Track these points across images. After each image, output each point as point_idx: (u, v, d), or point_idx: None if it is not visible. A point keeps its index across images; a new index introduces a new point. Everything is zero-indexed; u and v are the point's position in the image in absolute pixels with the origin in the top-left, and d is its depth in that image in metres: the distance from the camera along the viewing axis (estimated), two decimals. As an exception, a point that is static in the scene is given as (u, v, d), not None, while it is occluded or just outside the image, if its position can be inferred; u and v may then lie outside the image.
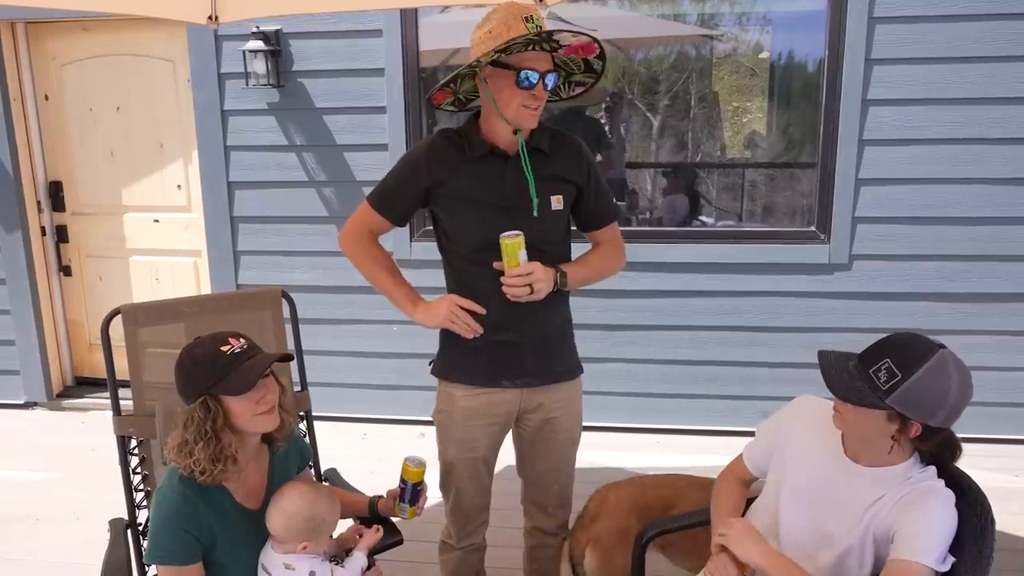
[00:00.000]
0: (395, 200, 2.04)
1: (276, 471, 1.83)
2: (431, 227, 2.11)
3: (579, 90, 2.06)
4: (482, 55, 1.84)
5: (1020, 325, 3.74)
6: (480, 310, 1.98)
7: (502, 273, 1.93)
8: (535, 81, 1.83)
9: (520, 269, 1.89)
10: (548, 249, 2.00)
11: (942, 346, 1.49)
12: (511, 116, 1.90)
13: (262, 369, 1.65)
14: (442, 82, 1.96)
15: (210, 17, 2.66)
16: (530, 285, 1.89)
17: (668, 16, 4.67)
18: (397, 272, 2.09)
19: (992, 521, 1.53)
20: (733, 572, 1.65)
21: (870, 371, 1.50)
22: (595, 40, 1.85)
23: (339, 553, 1.83)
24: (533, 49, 1.84)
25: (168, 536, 1.64)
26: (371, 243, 2.08)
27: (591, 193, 2.07)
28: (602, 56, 1.92)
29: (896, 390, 1.46)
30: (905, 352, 1.49)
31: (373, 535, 1.85)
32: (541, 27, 1.82)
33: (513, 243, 1.89)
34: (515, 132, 1.92)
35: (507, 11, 1.85)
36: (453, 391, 2.08)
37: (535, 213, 1.94)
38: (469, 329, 1.98)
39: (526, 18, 1.82)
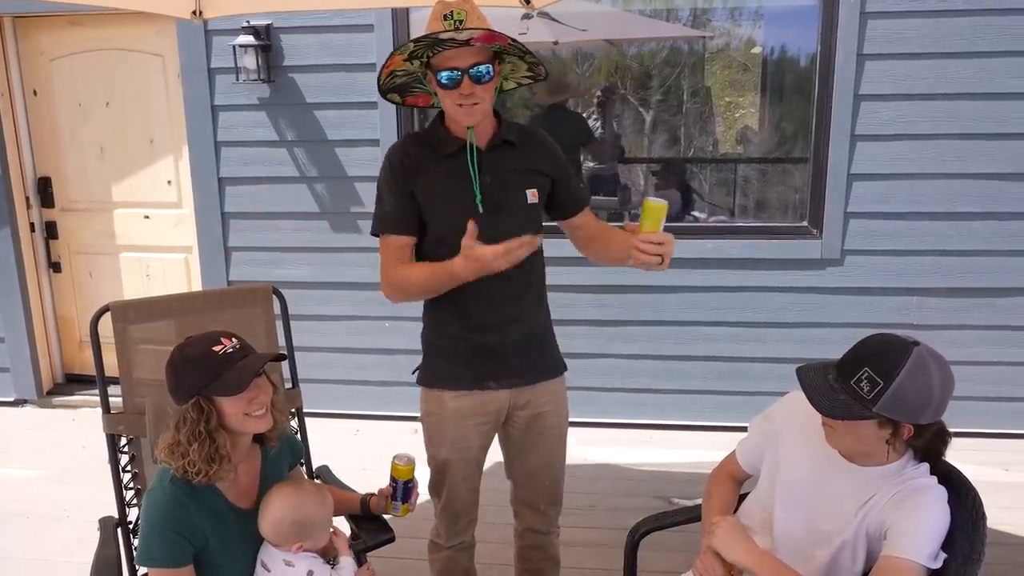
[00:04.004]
0: (403, 216, 1.96)
1: (268, 470, 1.82)
2: None
3: (540, 70, 1.99)
4: (396, 66, 1.86)
5: (1010, 320, 3.76)
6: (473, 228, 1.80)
7: (488, 278, 1.93)
8: (457, 78, 1.80)
9: (660, 236, 1.78)
10: None
11: (916, 343, 1.48)
12: (449, 114, 1.90)
13: (255, 369, 1.65)
14: (385, 95, 1.97)
15: (194, 12, 2.64)
16: (662, 256, 1.78)
17: (661, 11, 4.66)
18: (427, 267, 1.94)
19: (984, 517, 1.53)
20: (720, 572, 1.65)
21: (851, 382, 1.49)
22: (496, 32, 1.78)
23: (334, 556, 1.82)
24: (440, 49, 1.80)
25: (158, 539, 1.63)
26: (402, 267, 1.97)
27: (563, 182, 2.07)
28: (516, 42, 1.84)
29: (881, 398, 1.45)
30: (882, 357, 1.48)
31: (342, 537, 1.83)
32: (462, 21, 1.79)
33: (660, 206, 1.78)
34: (468, 128, 1.90)
35: (434, 10, 1.83)
36: (441, 394, 2.06)
37: (480, 210, 1.91)
38: (524, 245, 1.77)
39: (444, 16, 1.80)
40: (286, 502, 1.72)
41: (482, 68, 1.81)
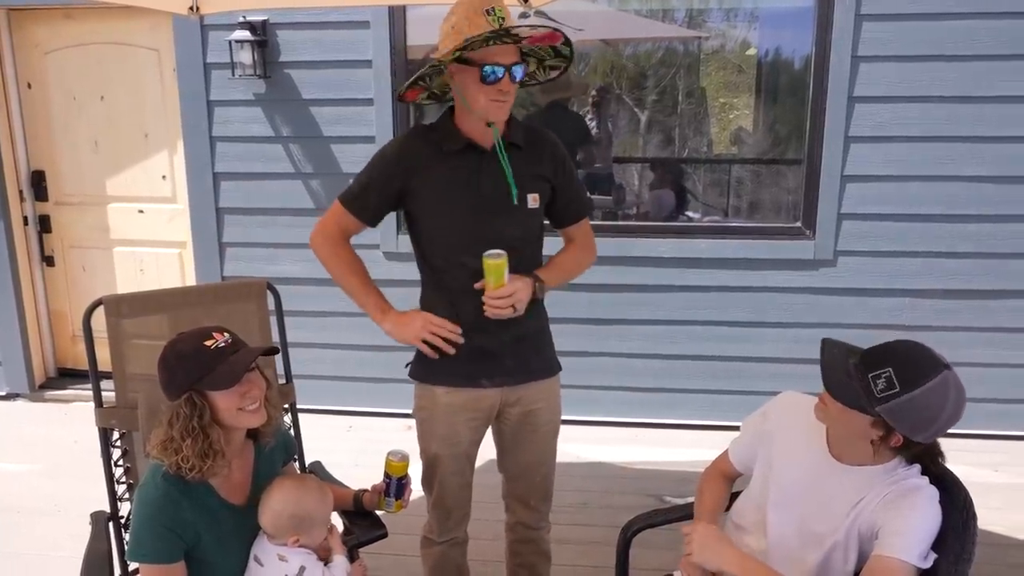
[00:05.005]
0: (368, 202, 2.01)
1: (261, 466, 1.81)
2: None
3: (554, 74, 2.03)
4: (442, 55, 1.84)
5: (1002, 321, 3.78)
6: (457, 330, 1.96)
7: (482, 278, 1.93)
8: (500, 76, 1.81)
9: (504, 291, 1.88)
10: (524, 248, 2.00)
11: (947, 366, 1.46)
12: (480, 110, 1.88)
13: (247, 363, 1.64)
14: (407, 83, 1.96)
15: (191, 8, 2.63)
16: (512, 305, 1.90)
17: (657, 12, 4.67)
18: (366, 277, 2.06)
19: (974, 517, 1.54)
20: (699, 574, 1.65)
21: (869, 375, 1.48)
22: (557, 30, 1.82)
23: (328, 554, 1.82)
24: (494, 43, 1.81)
25: (150, 535, 1.63)
26: (342, 245, 2.05)
27: (565, 190, 2.07)
28: (568, 43, 1.89)
29: (889, 401, 1.45)
30: (910, 367, 1.46)
31: (337, 536, 1.83)
32: (504, 19, 1.80)
33: (498, 264, 1.86)
34: (489, 124, 1.90)
35: (469, 5, 1.83)
36: (434, 388, 2.07)
37: (515, 202, 1.92)
38: (447, 348, 1.97)
39: (487, 11, 1.80)
40: (287, 495, 1.72)
41: (520, 67, 1.85)
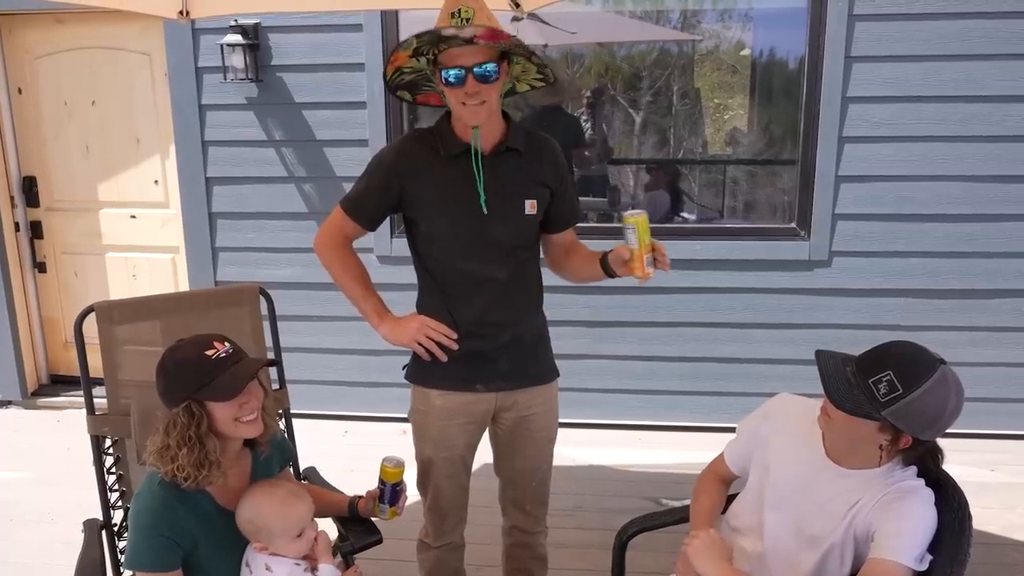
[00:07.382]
0: (367, 206, 2.01)
1: (258, 472, 1.81)
2: None
3: (538, 84, 2.01)
4: (402, 62, 1.85)
5: (996, 321, 3.78)
6: (452, 335, 1.95)
7: (479, 279, 1.92)
8: (461, 76, 1.79)
9: (658, 245, 1.85)
10: (520, 253, 1.99)
11: (942, 361, 1.48)
12: (455, 113, 1.88)
13: (249, 375, 1.63)
14: (394, 92, 1.98)
15: (181, 12, 2.62)
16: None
17: (651, 14, 4.67)
18: (367, 282, 2.05)
19: (970, 518, 1.54)
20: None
21: (869, 381, 1.48)
22: (496, 30, 1.78)
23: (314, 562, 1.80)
24: (445, 46, 1.79)
25: (147, 542, 1.61)
26: (344, 249, 2.05)
27: (562, 197, 2.05)
28: (526, 47, 1.84)
29: (894, 404, 1.45)
30: (908, 367, 1.47)
31: (324, 544, 1.79)
32: (469, 19, 1.78)
33: (645, 216, 1.82)
34: (473, 128, 1.89)
35: (445, 5, 1.82)
36: (428, 391, 2.06)
37: (484, 211, 1.90)
38: (439, 352, 1.96)
39: (452, 13, 1.79)
40: (248, 499, 1.71)
41: (488, 67, 1.79)
